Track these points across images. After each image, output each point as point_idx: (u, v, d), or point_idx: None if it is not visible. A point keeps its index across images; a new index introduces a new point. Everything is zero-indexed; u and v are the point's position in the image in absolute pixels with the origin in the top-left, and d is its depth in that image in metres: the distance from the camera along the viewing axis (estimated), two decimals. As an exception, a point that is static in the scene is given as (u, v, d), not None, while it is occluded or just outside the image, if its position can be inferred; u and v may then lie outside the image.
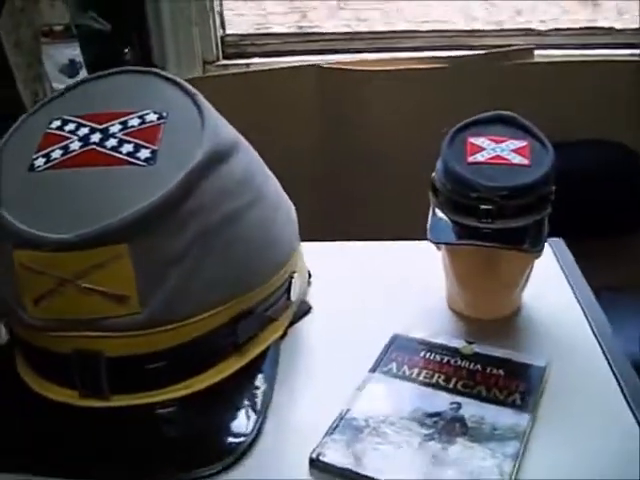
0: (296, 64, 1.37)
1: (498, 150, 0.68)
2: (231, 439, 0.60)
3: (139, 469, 0.59)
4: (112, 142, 0.62)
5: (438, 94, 1.35)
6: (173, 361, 0.63)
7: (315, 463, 0.56)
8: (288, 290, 0.73)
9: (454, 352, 0.69)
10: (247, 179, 0.67)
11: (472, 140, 0.70)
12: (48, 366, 0.64)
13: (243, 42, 1.49)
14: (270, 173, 0.76)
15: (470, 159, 0.68)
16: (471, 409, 0.61)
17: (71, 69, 1.85)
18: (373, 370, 0.67)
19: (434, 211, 0.70)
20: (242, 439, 0.60)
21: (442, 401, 0.62)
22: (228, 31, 1.56)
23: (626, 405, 0.62)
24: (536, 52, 1.50)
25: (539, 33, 1.55)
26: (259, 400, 0.64)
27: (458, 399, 0.62)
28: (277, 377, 0.68)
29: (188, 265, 0.61)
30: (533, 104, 1.29)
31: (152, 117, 0.65)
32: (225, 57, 1.49)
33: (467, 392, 0.63)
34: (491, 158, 0.67)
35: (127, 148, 0.62)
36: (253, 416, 0.62)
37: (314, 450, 0.57)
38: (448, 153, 0.68)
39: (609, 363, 0.68)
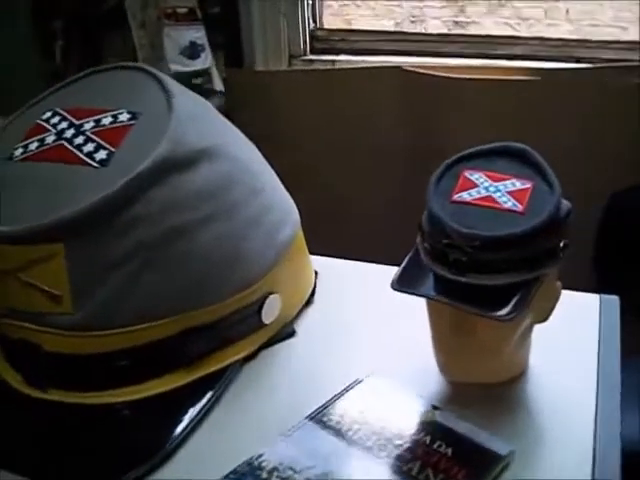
0: (379, 64, 1.30)
1: (492, 190, 0.57)
2: (141, 454, 0.57)
3: (53, 463, 0.58)
4: (79, 139, 0.62)
5: (524, 108, 1.21)
6: (111, 366, 0.62)
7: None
8: (259, 311, 0.69)
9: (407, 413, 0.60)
10: (212, 191, 0.63)
11: (467, 174, 0.59)
12: (5, 350, 0.66)
13: (332, 38, 1.44)
14: (270, 185, 0.72)
15: (455, 197, 0.57)
16: (390, 488, 0.52)
17: (192, 51, 1.91)
18: (311, 417, 0.59)
19: (416, 251, 0.61)
20: (155, 455, 0.57)
21: (362, 470, 0.53)
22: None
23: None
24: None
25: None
26: (186, 419, 0.60)
27: (383, 472, 0.53)
28: (227, 399, 0.64)
29: (126, 274, 0.59)
30: (628, 133, 1.12)
31: (124, 117, 0.64)
32: (312, 52, 1.45)
33: (396, 466, 0.54)
34: (480, 199, 0.56)
35: (89, 147, 0.62)
36: (173, 435, 0.59)
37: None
38: (435, 187, 0.59)
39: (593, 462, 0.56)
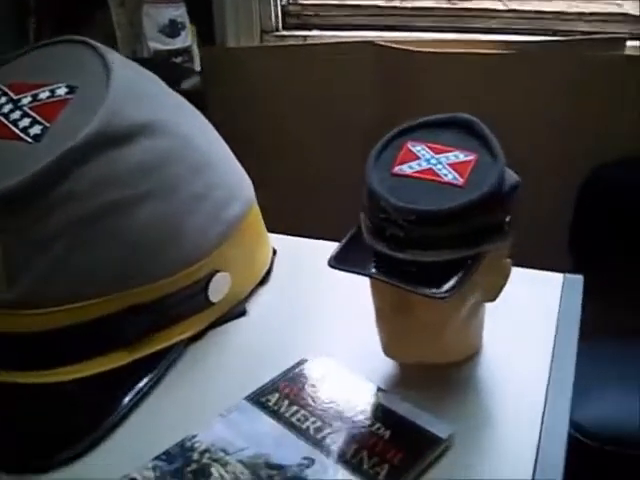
0: (351, 39, 1.27)
1: (433, 162, 0.55)
2: (77, 434, 0.56)
3: None
4: (16, 115, 0.61)
5: (499, 83, 1.17)
6: (48, 345, 0.60)
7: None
8: (206, 289, 0.67)
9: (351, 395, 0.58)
10: (150, 167, 0.61)
11: (410, 146, 0.56)
12: None
13: (305, 12, 1.40)
14: (219, 161, 0.69)
15: (395, 170, 0.55)
16: (321, 471, 0.50)
17: (171, 29, 1.87)
18: (249, 398, 0.58)
19: (359, 228, 0.59)
20: (90, 435, 0.56)
21: (295, 453, 0.52)
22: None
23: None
24: (629, 43, 1.24)
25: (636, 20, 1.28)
26: (126, 400, 0.59)
27: (316, 455, 0.51)
28: (171, 379, 0.63)
29: (58, 252, 0.58)
30: (615, 107, 1.09)
31: (61, 91, 0.62)
32: (285, 27, 1.41)
33: (332, 449, 0.52)
34: (420, 172, 0.54)
35: (24, 122, 0.60)
36: (111, 415, 0.57)
37: (127, 475, 0.51)
38: (375, 159, 0.56)
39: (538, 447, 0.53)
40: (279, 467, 0.50)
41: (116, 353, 0.62)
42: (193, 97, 1.42)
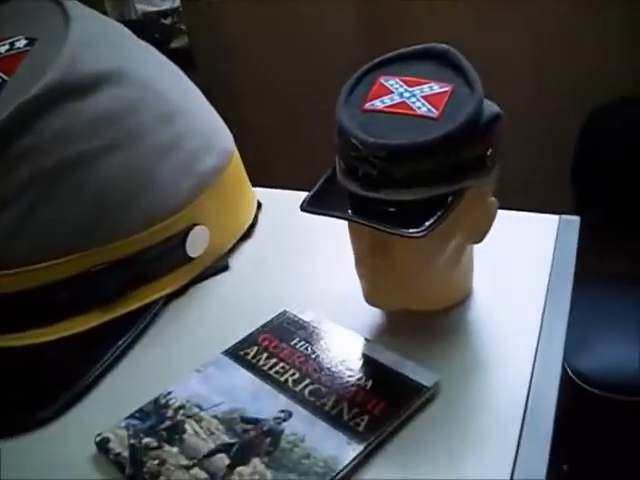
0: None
1: (406, 95, 0.51)
2: (54, 393, 0.55)
3: None
4: None
5: (492, 19, 1.10)
6: (16, 308, 0.59)
7: (99, 446, 0.49)
8: (183, 244, 0.65)
9: (332, 346, 0.55)
10: (113, 118, 0.59)
11: (382, 80, 0.53)
12: None
13: None
14: (191, 111, 0.67)
15: (366, 105, 0.51)
16: (298, 424, 0.48)
17: (159, -10, 1.83)
18: (227, 352, 0.56)
19: (333, 170, 0.56)
20: (66, 394, 0.55)
21: (272, 406, 0.50)
22: None
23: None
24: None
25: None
26: (103, 360, 0.58)
27: (294, 407, 0.49)
28: (150, 336, 0.61)
29: (21, 208, 0.56)
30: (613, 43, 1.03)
31: (20, 43, 0.60)
32: None
33: (310, 401, 0.50)
34: (392, 106, 0.50)
35: None
36: (87, 374, 0.56)
37: (100, 434, 0.49)
38: (346, 96, 0.52)
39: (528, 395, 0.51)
40: (255, 421, 0.48)
41: (91, 313, 0.61)
42: (183, 56, 1.39)
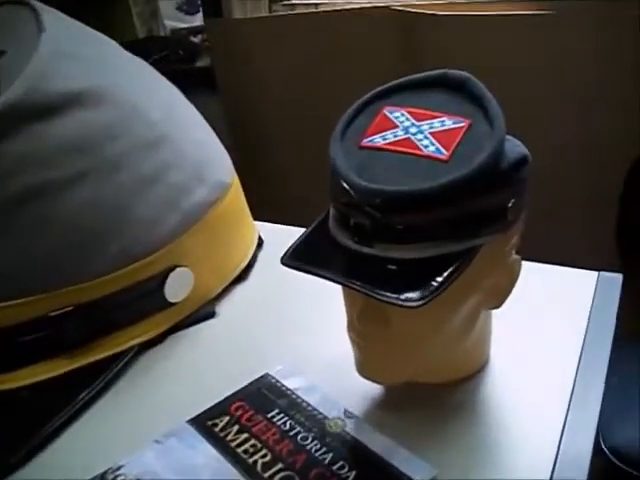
0: (368, 5, 1.13)
1: (412, 131, 0.42)
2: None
3: None
4: None
5: (537, 48, 1.00)
6: None
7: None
8: (162, 287, 0.57)
9: (316, 424, 0.47)
10: (84, 144, 0.52)
11: (387, 111, 0.44)
12: None
13: None
14: (182, 137, 0.59)
15: (364, 141, 0.43)
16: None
17: (189, 6, 1.79)
18: (194, 420, 0.48)
19: (326, 215, 0.48)
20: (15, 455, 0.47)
21: (232, 497, 0.42)
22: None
23: None
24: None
25: None
26: (63, 412, 0.51)
27: (257, 499, 0.42)
28: (119, 389, 0.54)
29: None
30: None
31: None
32: None
33: (278, 493, 0.42)
34: (395, 142, 0.42)
35: None
36: (41, 431, 0.49)
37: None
38: (344, 128, 0.44)
39: None
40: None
41: (54, 361, 0.54)
42: (206, 75, 1.33)
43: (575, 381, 0.51)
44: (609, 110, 0.97)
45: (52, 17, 0.55)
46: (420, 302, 0.38)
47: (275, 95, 1.16)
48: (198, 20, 1.67)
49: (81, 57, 0.55)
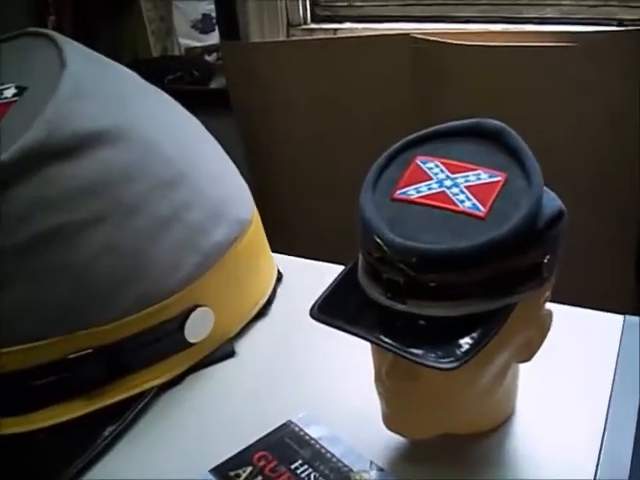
0: (387, 33, 1.13)
1: (447, 184, 0.42)
2: None
3: None
4: None
5: (560, 80, 1.00)
6: None
7: None
8: (182, 328, 0.56)
9: (340, 476, 0.45)
10: (101, 186, 0.51)
11: (420, 162, 0.44)
12: None
13: (335, 4, 1.25)
14: (200, 174, 0.58)
15: (397, 193, 0.42)
16: None
17: (204, 25, 1.79)
18: (215, 470, 0.47)
19: (356, 265, 0.47)
20: None
21: None
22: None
23: None
24: None
25: None
26: (79, 458, 0.49)
27: None
28: (139, 431, 0.53)
29: None
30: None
31: (9, 92, 0.53)
32: (313, 20, 1.28)
33: None
34: (430, 196, 0.41)
35: None
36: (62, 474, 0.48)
37: None
38: (375, 178, 0.44)
39: None
40: None
41: (72, 403, 0.53)
42: (221, 97, 1.32)
43: (605, 430, 0.50)
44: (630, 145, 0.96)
45: (73, 51, 0.55)
46: (455, 364, 0.37)
47: (291, 119, 1.16)
48: (212, 39, 1.68)
49: (101, 94, 0.54)
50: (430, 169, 0.43)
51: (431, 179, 0.42)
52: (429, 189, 0.42)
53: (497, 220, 0.39)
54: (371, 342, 0.40)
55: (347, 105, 1.10)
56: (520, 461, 0.48)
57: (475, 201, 0.40)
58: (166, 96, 0.64)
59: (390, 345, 0.38)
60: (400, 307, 0.40)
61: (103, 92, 0.54)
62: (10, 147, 0.47)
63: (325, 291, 0.44)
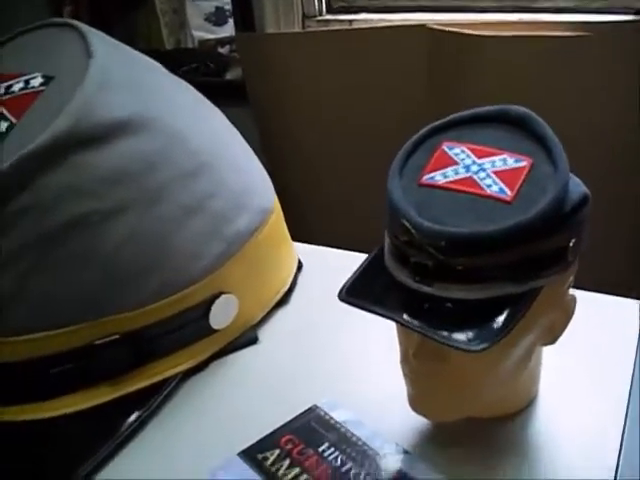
0: (402, 23, 1.14)
1: (474, 169, 0.42)
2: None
3: None
4: None
5: (575, 70, 1.00)
6: (13, 379, 0.52)
7: None
8: (207, 314, 0.57)
9: (368, 459, 0.47)
10: (128, 174, 0.51)
11: (445, 147, 0.44)
12: None
13: None
14: (223, 164, 0.59)
15: (424, 179, 0.43)
16: None
17: (217, 17, 1.79)
18: (245, 453, 0.48)
19: (382, 249, 0.48)
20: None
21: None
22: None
23: None
24: None
25: None
26: (107, 442, 0.50)
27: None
28: (164, 417, 0.54)
29: (16, 275, 0.49)
30: None
31: (36, 82, 0.54)
32: (329, 11, 1.27)
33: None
34: (457, 181, 0.41)
35: None
36: (88, 460, 0.49)
37: None
38: (401, 163, 0.44)
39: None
40: None
41: (98, 389, 0.53)
42: (237, 88, 1.33)
43: (627, 414, 0.51)
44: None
45: (99, 41, 0.55)
46: (484, 345, 0.38)
47: (308, 110, 1.16)
48: (225, 31, 1.68)
49: (127, 84, 0.54)
50: (456, 154, 0.44)
51: (457, 164, 0.43)
52: (456, 174, 0.42)
53: (524, 204, 0.39)
54: (400, 324, 0.40)
55: (363, 96, 1.10)
56: (543, 445, 0.49)
57: (502, 185, 0.41)
58: (189, 86, 0.64)
59: (419, 327, 0.39)
60: (427, 290, 0.40)
61: (129, 82, 0.54)
62: (39, 136, 0.47)
63: (352, 275, 0.45)
